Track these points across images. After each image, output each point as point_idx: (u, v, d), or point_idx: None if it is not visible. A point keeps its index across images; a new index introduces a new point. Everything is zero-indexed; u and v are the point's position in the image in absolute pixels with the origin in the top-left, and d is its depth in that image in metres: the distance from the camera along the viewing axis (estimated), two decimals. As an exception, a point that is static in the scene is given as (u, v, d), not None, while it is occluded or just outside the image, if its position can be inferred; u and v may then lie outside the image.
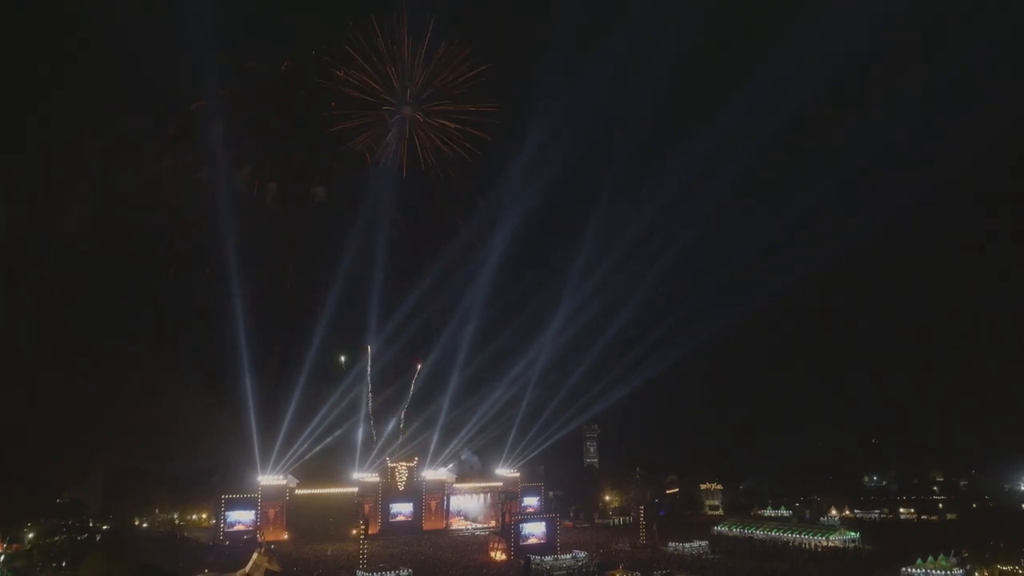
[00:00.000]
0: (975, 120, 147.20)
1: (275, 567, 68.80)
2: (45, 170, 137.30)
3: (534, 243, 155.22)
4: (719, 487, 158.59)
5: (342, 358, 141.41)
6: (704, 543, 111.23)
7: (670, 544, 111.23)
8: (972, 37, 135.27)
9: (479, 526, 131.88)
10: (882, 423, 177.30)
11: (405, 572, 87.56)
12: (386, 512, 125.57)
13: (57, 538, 71.37)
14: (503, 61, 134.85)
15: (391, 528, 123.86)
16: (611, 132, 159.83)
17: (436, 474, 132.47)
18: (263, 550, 68.72)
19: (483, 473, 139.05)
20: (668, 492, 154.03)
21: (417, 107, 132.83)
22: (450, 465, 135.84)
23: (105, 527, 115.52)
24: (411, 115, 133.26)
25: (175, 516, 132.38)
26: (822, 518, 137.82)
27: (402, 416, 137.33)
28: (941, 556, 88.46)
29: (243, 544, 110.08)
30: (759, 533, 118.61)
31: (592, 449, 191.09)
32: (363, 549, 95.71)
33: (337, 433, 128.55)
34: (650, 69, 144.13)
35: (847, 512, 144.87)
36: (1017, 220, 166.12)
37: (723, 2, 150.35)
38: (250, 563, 68.10)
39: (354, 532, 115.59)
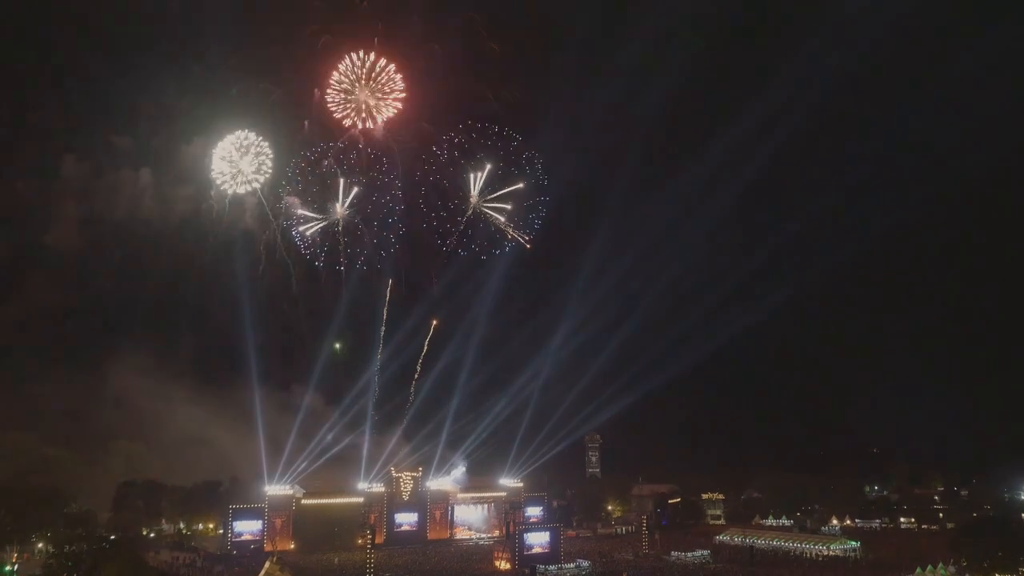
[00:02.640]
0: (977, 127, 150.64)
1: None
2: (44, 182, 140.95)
3: (539, 257, 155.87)
4: (721, 497, 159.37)
5: (336, 345, 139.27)
6: (706, 552, 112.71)
7: (672, 553, 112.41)
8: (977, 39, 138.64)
9: (483, 536, 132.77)
10: (883, 432, 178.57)
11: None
12: (391, 522, 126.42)
13: (73, 547, 72.64)
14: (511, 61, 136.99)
15: (396, 538, 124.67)
16: (615, 149, 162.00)
17: (440, 484, 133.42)
18: (275, 559, 70.07)
19: (472, 486, 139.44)
20: (670, 502, 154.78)
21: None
22: (454, 474, 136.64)
23: (112, 536, 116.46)
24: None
25: (181, 526, 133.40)
26: (823, 527, 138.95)
27: (411, 391, 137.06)
28: (940, 565, 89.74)
29: (250, 554, 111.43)
30: (761, 542, 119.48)
31: (594, 459, 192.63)
32: (370, 558, 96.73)
33: (344, 442, 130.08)
34: (659, 81, 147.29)
35: (848, 521, 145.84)
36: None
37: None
38: (262, 572, 69.46)
39: (360, 541, 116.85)
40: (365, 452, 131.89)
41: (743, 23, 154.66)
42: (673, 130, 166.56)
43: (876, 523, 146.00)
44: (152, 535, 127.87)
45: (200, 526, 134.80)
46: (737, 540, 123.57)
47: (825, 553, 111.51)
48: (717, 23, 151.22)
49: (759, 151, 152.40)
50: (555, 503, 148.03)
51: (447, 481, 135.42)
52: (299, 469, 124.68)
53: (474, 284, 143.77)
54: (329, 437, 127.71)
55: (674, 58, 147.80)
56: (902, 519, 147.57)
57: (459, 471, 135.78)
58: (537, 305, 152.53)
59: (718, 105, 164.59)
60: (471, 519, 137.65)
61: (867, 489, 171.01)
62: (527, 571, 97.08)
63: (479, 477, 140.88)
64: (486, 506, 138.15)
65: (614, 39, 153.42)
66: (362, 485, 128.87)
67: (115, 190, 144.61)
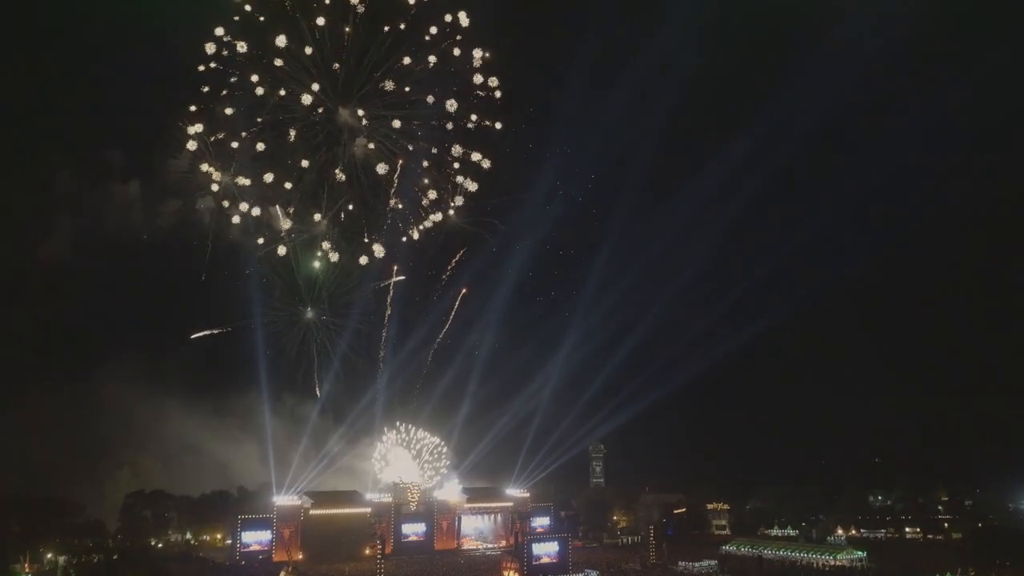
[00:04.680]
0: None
1: (302, 585, 70.58)
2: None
3: (545, 268, 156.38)
4: (726, 507, 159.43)
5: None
6: (714, 562, 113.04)
7: (680, 563, 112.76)
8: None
9: (490, 546, 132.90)
10: (886, 442, 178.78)
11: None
12: (398, 532, 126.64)
13: (91, 557, 73.07)
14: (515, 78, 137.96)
15: (403, 548, 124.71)
16: (622, 161, 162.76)
17: (447, 494, 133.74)
18: (290, 568, 70.48)
19: (478, 496, 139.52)
20: (675, 512, 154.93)
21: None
22: (446, 487, 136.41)
23: (128, 546, 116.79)
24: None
25: (188, 536, 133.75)
26: (828, 537, 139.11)
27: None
28: (948, 575, 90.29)
29: (259, 564, 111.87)
30: (768, 552, 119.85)
31: (598, 469, 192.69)
32: (380, 569, 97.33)
33: (353, 452, 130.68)
34: (665, 90, 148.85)
35: (853, 531, 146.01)
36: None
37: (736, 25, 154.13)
38: (278, 581, 69.91)
39: (368, 552, 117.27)
40: (373, 461, 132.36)
41: (749, 36, 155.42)
42: (676, 147, 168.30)
43: (881, 533, 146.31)
44: (160, 545, 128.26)
45: (206, 536, 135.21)
46: (744, 550, 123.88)
47: (832, 563, 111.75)
48: (722, 36, 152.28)
49: (761, 167, 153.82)
50: (563, 513, 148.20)
51: (456, 491, 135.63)
52: (306, 479, 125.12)
53: (481, 294, 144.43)
54: (336, 449, 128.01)
55: (681, 70, 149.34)
56: (907, 529, 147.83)
57: (453, 484, 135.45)
58: (544, 315, 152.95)
59: (723, 119, 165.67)
60: (478, 529, 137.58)
61: (871, 499, 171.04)
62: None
63: (485, 487, 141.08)
64: (493, 516, 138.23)
65: (626, 44, 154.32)
66: (370, 495, 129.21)
67: (106, 202, 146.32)
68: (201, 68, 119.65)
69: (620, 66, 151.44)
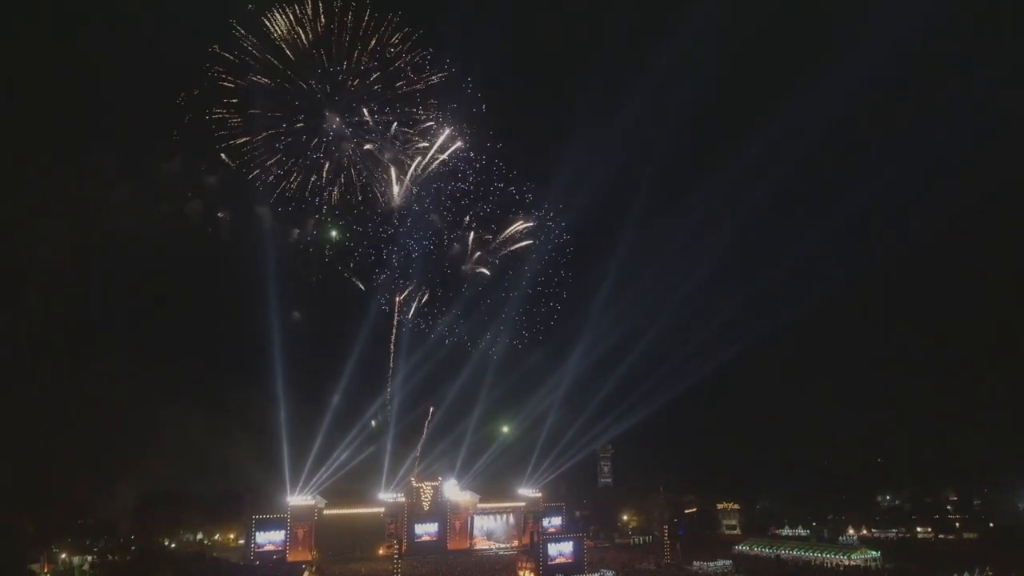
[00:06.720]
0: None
1: (325, 584, 70.68)
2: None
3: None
4: (736, 507, 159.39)
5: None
6: (728, 562, 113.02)
7: (695, 563, 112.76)
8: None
9: (502, 546, 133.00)
10: (891, 443, 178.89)
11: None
12: (411, 532, 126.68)
13: (115, 556, 73.10)
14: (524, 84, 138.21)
15: (416, 548, 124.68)
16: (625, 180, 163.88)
17: (460, 494, 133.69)
18: (313, 568, 70.59)
19: (491, 496, 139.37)
20: (687, 512, 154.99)
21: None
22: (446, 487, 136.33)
23: (132, 548, 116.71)
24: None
25: (201, 536, 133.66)
26: (840, 537, 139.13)
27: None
28: (966, 575, 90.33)
29: (273, 563, 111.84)
30: (782, 552, 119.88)
31: (606, 469, 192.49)
32: (396, 568, 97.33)
33: (366, 453, 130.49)
34: (682, 94, 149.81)
35: (865, 531, 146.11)
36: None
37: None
38: (302, 580, 70.02)
39: (381, 552, 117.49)
40: (386, 463, 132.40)
41: (759, 45, 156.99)
42: (679, 161, 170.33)
43: (892, 533, 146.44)
44: (173, 545, 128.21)
45: (219, 536, 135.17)
46: (757, 550, 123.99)
47: (846, 563, 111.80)
48: (732, 45, 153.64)
49: (761, 182, 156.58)
50: (578, 513, 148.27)
51: (465, 492, 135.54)
52: (321, 479, 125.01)
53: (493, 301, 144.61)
54: (351, 447, 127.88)
55: (691, 82, 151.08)
56: (919, 529, 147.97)
57: (452, 485, 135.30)
58: (556, 319, 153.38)
59: (734, 127, 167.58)
60: (490, 529, 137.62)
61: (879, 499, 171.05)
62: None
63: (497, 488, 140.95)
64: (505, 516, 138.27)
65: (635, 61, 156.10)
66: (383, 495, 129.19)
67: (101, 205, 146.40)
68: (182, 96, 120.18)
69: (640, 70, 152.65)
